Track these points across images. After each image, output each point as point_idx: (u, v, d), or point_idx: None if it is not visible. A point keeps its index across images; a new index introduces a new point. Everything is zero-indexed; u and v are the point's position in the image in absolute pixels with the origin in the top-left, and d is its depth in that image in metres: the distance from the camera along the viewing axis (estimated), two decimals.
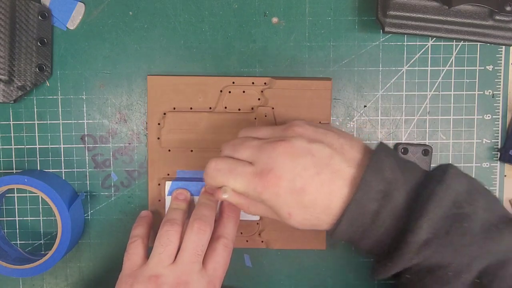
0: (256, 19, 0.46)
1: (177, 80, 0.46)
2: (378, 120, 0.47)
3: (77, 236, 0.47)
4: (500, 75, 0.47)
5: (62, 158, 0.47)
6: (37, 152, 0.47)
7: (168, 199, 0.46)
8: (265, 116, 0.46)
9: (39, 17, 0.45)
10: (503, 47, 0.47)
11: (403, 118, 0.47)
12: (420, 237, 0.33)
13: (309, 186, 0.35)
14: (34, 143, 0.47)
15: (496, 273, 0.33)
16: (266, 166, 0.36)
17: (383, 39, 0.46)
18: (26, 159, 0.47)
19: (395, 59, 0.47)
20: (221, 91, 0.46)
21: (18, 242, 0.48)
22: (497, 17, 0.42)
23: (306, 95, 0.45)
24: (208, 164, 0.39)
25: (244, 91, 0.46)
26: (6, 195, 0.48)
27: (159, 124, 0.46)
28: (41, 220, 0.48)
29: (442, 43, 0.46)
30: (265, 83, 0.46)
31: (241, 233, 0.47)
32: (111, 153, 0.47)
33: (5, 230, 0.48)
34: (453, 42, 0.46)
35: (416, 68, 0.47)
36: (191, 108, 0.46)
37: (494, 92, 0.47)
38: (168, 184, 0.46)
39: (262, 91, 0.46)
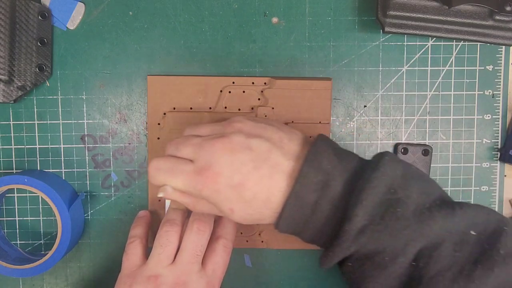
0: (256, 19, 0.46)
1: (177, 80, 0.46)
2: (378, 120, 0.47)
3: (77, 236, 0.47)
4: (500, 75, 0.47)
5: (62, 158, 0.47)
6: (37, 152, 0.47)
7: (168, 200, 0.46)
8: (265, 116, 0.46)
9: (39, 17, 0.45)
10: (503, 47, 0.46)
11: (403, 118, 0.47)
12: (356, 225, 0.34)
13: (248, 181, 0.35)
14: (34, 143, 0.47)
15: (430, 254, 0.33)
16: (205, 163, 0.36)
17: (383, 39, 0.46)
18: (26, 159, 0.47)
19: (395, 59, 0.47)
20: (221, 91, 0.46)
21: (18, 242, 0.48)
22: (497, 17, 0.42)
23: (306, 95, 0.45)
24: (150, 163, 0.39)
25: (244, 91, 0.46)
26: (6, 195, 0.48)
27: (159, 124, 0.46)
28: (41, 220, 0.48)
29: (442, 43, 0.46)
30: (265, 83, 0.46)
31: (241, 233, 0.47)
32: (111, 153, 0.47)
33: (5, 230, 0.48)
34: (453, 42, 0.46)
35: (416, 68, 0.47)
36: (191, 108, 0.46)
37: (494, 92, 0.47)
38: None
39: (262, 91, 0.46)
